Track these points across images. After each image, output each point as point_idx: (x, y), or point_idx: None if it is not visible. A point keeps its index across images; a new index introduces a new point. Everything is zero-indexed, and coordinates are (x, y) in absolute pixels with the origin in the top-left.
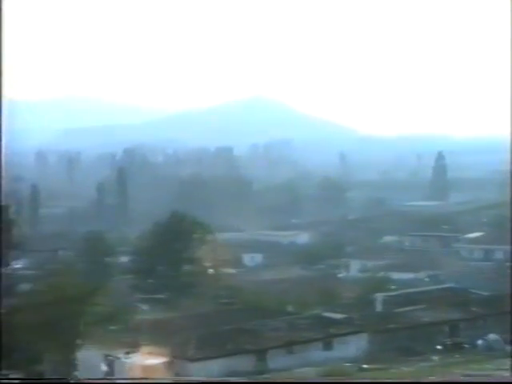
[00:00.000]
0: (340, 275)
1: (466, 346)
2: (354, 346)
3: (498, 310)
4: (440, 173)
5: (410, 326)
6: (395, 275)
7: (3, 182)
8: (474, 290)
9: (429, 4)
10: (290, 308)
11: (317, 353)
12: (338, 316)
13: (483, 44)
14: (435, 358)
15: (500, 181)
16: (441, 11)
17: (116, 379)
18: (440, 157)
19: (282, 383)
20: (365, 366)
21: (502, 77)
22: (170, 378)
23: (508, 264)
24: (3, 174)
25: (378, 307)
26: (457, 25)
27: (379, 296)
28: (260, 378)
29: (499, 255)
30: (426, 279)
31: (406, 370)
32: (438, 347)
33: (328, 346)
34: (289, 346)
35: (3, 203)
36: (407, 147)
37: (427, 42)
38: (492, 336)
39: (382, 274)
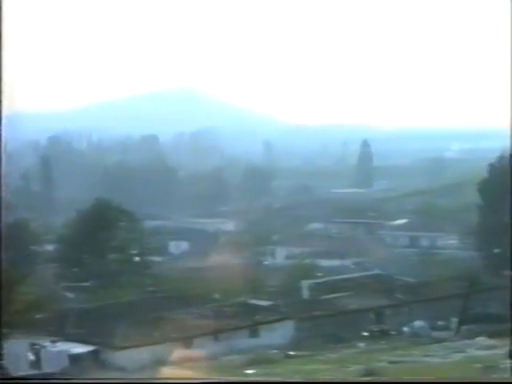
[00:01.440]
0: (266, 262)
1: (392, 332)
2: (280, 333)
3: (424, 297)
4: (365, 160)
5: (336, 313)
6: (321, 262)
7: None
8: (399, 277)
9: None
10: (216, 296)
11: (243, 340)
12: (264, 303)
13: (410, 38)
14: (361, 344)
15: (425, 168)
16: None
17: (116, 379)
18: (365, 144)
19: (282, 383)
20: (291, 352)
21: (426, 69)
22: (170, 378)
23: (433, 251)
24: None
25: (305, 294)
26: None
27: (305, 283)
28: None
29: (424, 242)
30: (352, 266)
31: (332, 357)
32: (364, 334)
33: (254, 333)
34: (215, 333)
35: None
36: (332, 136)
37: (353, 31)
38: (418, 323)
39: (308, 261)
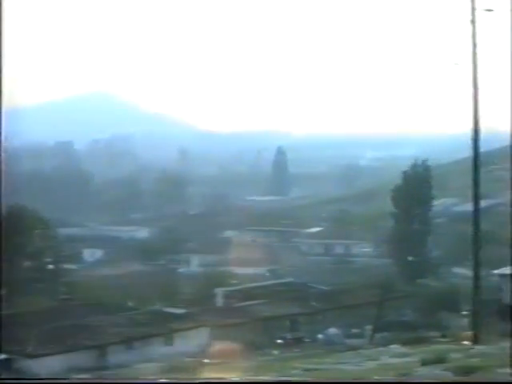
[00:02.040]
0: (180, 270)
1: (306, 340)
2: (194, 340)
3: (338, 305)
4: (280, 168)
5: (250, 321)
6: (236, 270)
7: None
8: (313, 285)
9: None
10: (130, 303)
11: (158, 348)
12: (179, 311)
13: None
14: (275, 352)
15: (339, 176)
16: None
17: (116, 379)
18: (280, 152)
19: (282, 383)
20: (206, 360)
21: (341, 76)
22: (170, 378)
23: (347, 258)
24: None
25: (219, 302)
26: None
27: (220, 291)
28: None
29: (339, 250)
30: (267, 274)
31: (245, 365)
32: (279, 341)
33: (169, 341)
34: (129, 341)
35: None
36: (248, 143)
37: (264, 36)
38: (332, 330)
39: (222, 268)
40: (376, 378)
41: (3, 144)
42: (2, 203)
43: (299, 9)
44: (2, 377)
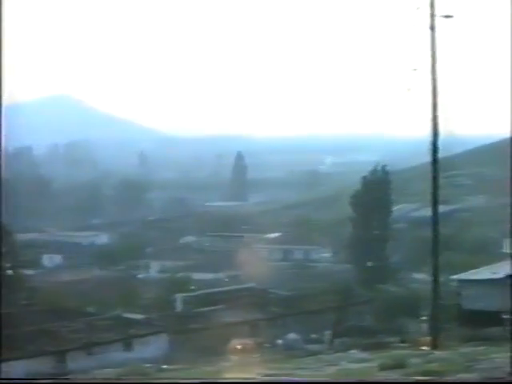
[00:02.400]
0: (140, 276)
1: (266, 345)
2: (154, 346)
3: (298, 310)
4: (240, 173)
5: (210, 326)
6: (195, 275)
7: None
8: (273, 290)
9: None
10: (89, 309)
11: (117, 354)
12: (138, 317)
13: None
14: (235, 357)
15: (299, 181)
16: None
17: (116, 379)
18: (239, 157)
19: (282, 383)
20: (165, 366)
21: (300, 81)
22: (170, 378)
23: (307, 264)
24: None
25: (179, 307)
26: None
27: (179, 296)
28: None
29: (298, 255)
30: (226, 279)
31: (205, 370)
32: (238, 347)
33: (128, 346)
34: (88, 347)
35: None
36: (207, 148)
37: (220, 42)
38: (291, 335)
39: (182, 274)
40: (376, 378)
41: None
42: None
43: (257, 17)
44: (2, 377)
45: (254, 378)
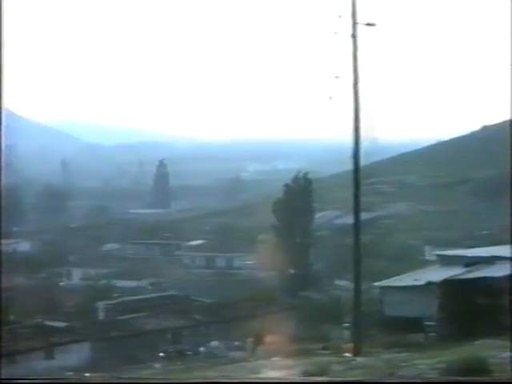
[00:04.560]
0: (62, 283)
1: (189, 353)
2: (75, 354)
3: (220, 317)
4: (161, 180)
5: (132, 334)
6: (118, 283)
7: None
8: (195, 298)
9: None
10: (11, 317)
11: (38, 362)
12: (60, 324)
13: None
14: (157, 365)
15: (222, 189)
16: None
17: (117, 379)
18: (161, 164)
19: (282, 383)
20: (86, 374)
21: (221, 84)
22: (170, 378)
23: (230, 271)
24: None
25: (101, 315)
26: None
27: (101, 304)
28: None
29: (221, 262)
30: (149, 287)
31: (127, 377)
32: (161, 355)
33: (49, 354)
34: (10, 355)
35: None
36: (130, 155)
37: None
38: (214, 343)
39: (104, 281)
40: (376, 378)
41: None
42: None
43: (168, 17)
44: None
45: (253, 378)
